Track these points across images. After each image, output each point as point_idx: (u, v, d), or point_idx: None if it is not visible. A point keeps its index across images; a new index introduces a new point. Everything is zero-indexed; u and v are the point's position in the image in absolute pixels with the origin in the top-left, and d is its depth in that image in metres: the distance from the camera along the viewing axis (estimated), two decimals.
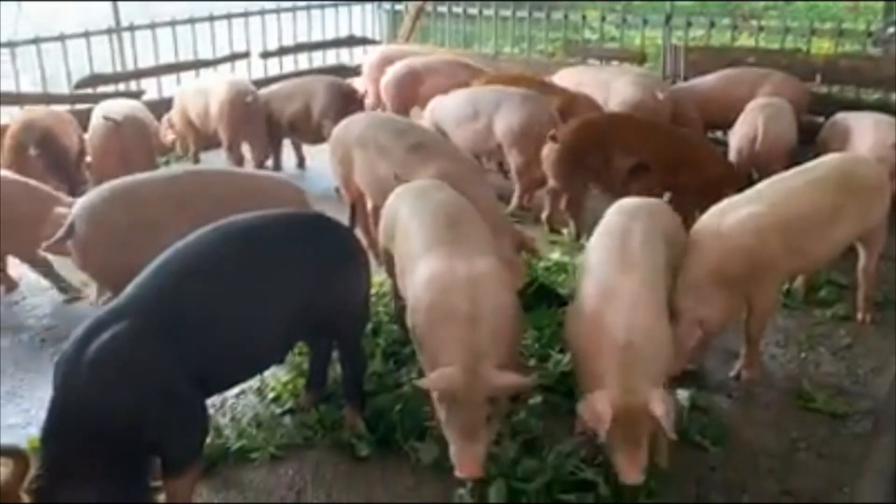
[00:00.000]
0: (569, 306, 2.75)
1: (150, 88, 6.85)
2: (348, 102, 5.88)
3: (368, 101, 6.76)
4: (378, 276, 4.02)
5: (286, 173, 6.35)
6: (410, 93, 6.47)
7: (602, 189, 4.93)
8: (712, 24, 7.07)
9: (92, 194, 3.71)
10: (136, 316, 2.48)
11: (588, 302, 2.83)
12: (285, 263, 2.80)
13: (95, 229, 3.55)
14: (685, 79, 6.61)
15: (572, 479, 2.86)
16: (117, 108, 5.39)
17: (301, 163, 6.63)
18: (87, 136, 5.42)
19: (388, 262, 3.49)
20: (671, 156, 4.67)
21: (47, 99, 5.92)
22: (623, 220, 3.19)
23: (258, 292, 2.71)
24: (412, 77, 6.51)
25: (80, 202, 3.67)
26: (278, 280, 2.77)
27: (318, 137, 6.02)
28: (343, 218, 3.20)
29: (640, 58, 7.27)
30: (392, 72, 6.60)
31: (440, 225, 3.10)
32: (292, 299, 2.81)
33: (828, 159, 3.84)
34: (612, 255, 2.99)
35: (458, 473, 2.62)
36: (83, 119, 5.50)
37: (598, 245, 3.12)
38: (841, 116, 5.22)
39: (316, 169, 6.33)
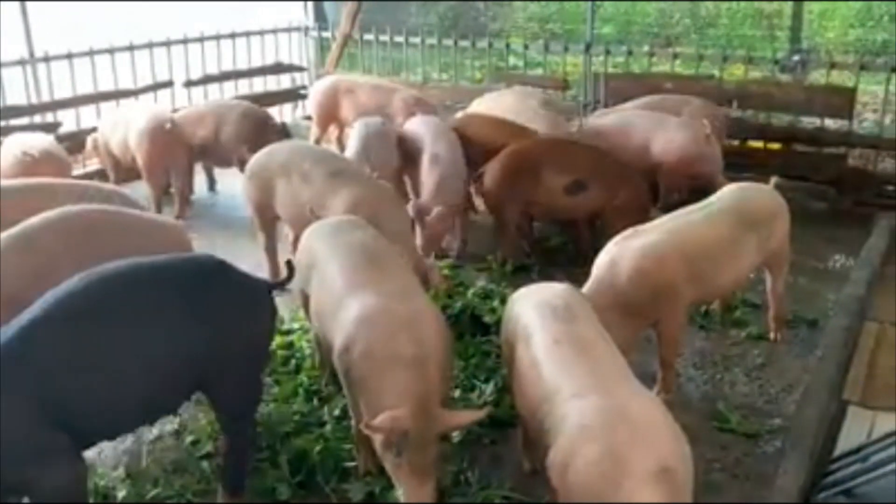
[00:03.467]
0: (559, 447, 2.38)
1: (68, 120, 6.66)
2: (261, 129, 5.88)
3: (314, 128, 6.90)
4: (301, 311, 4.00)
5: (197, 197, 6.36)
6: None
7: (538, 213, 5.07)
8: (630, 52, 7.29)
9: None
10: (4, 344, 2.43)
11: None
12: (162, 312, 2.64)
13: None
14: (606, 104, 6.79)
15: None
16: (31, 142, 5.23)
17: (212, 185, 6.66)
18: None
19: (304, 301, 3.45)
20: (609, 174, 4.85)
21: None
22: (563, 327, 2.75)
23: (128, 341, 2.57)
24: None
25: None
26: (153, 329, 2.61)
27: (227, 162, 6.02)
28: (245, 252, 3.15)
29: (563, 84, 7.44)
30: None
31: (361, 264, 3.09)
32: (169, 351, 2.63)
33: (726, 191, 3.98)
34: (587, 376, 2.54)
35: None
36: None
37: (553, 358, 2.63)
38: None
39: (226, 192, 6.43)
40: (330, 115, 6.84)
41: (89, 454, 3.15)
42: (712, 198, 3.93)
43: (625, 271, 3.42)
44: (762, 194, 4.01)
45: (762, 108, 6.61)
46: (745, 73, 6.88)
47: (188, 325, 2.65)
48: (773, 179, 4.34)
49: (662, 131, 5.45)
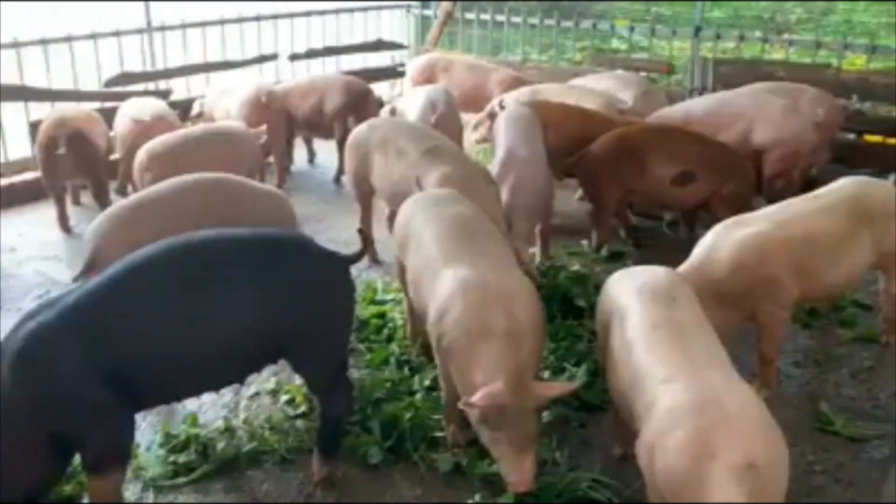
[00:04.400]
0: (647, 431, 2.32)
1: (179, 88, 6.93)
2: (363, 102, 5.96)
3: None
4: (396, 282, 4.05)
5: (296, 168, 6.51)
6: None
7: (638, 201, 4.92)
8: (742, 38, 6.99)
9: (103, 217, 3.71)
10: (62, 311, 2.50)
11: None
12: (238, 284, 2.64)
13: (108, 252, 3.44)
14: (713, 91, 6.55)
15: (584, 497, 2.85)
16: (145, 106, 5.46)
17: (311, 158, 6.78)
18: (112, 134, 5.51)
19: (401, 272, 3.48)
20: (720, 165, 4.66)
21: (77, 96, 6.00)
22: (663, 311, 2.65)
23: (201, 309, 2.59)
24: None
25: (93, 226, 3.65)
26: (226, 300, 2.62)
27: (329, 134, 6.13)
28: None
29: (668, 69, 7.22)
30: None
31: (457, 236, 3.10)
32: (240, 322, 2.63)
33: (842, 184, 3.75)
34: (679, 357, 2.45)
35: (514, 489, 2.63)
36: (111, 117, 5.58)
37: (648, 342, 2.54)
38: None
39: (325, 165, 6.58)
40: None
41: (191, 405, 3.32)
42: (825, 189, 3.73)
43: (723, 261, 3.30)
44: (880, 190, 3.76)
45: (885, 100, 6.23)
46: (867, 62, 6.49)
47: (263, 297, 2.65)
48: (893, 176, 4.09)
49: (766, 115, 5.07)
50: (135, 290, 2.58)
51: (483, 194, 3.79)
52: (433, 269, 3.01)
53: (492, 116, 5.28)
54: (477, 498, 2.86)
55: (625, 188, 4.80)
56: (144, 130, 5.13)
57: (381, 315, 4.05)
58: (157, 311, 2.56)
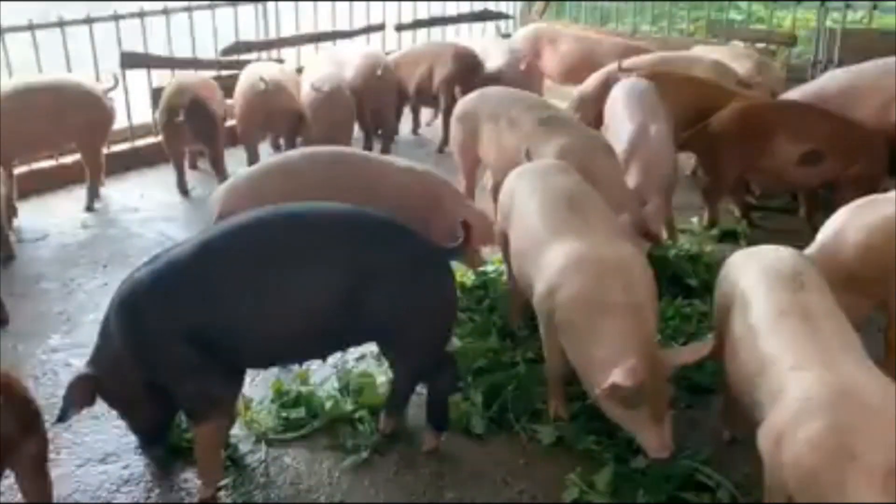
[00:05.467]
0: (774, 419, 2.22)
1: (290, 57, 7.08)
2: (473, 71, 5.92)
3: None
4: (498, 252, 4.03)
5: (399, 138, 6.57)
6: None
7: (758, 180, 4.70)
8: (875, 7, 6.53)
9: (230, 182, 3.75)
10: (156, 269, 2.62)
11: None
12: (331, 263, 2.61)
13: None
14: (840, 64, 6.15)
15: (690, 477, 2.78)
16: (267, 70, 5.60)
17: (416, 128, 6.77)
18: (231, 101, 5.70)
19: (503, 243, 3.46)
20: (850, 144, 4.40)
21: (196, 64, 6.23)
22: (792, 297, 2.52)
23: (290, 283, 2.58)
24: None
25: (219, 190, 3.71)
26: (317, 277, 2.60)
27: (437, 103, 6.15)
28: None
29: (790, 41, 6.83)
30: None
31: (563, 208, 3.05)
32: (329, 302, 2.61)
33: None
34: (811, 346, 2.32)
35: (655, 455, 2.61)
36: (227, 85, 5.77)
37: (774, 328, 2.43)
38: None
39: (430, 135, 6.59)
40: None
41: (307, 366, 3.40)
42: None
43: (851, 244, 3.09)
44: None
45: None
46: None
47: (351, 279, 2.60)
48: None
49: None
50: (223, 255, 2.62)
51: (605, 167, 3.71)
52: (539, 243, 2.98)
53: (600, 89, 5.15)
54: (578, 471, 2.84)
55: (746, 165, 4.59)
56: (264, 95, 5.29)
57: (484, 285, 4.05)
58: (241, 278, 2.58)
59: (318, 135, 5.12)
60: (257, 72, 5.50)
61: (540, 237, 2.99)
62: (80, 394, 2.68)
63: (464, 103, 4.56)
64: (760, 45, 6.78)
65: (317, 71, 5.83)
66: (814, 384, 2.16)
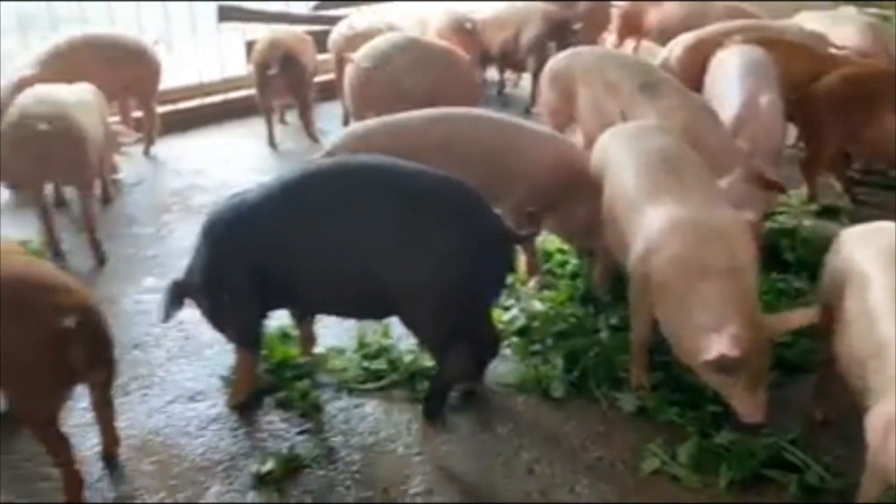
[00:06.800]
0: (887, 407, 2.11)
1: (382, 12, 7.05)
2: (562, 32, 5.78)
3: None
4: None
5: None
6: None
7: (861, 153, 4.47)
8: None
9: (345, 134, 3.65)
10: (238, 201, 2.82)
11: None
12: (390, 223, 2.59)
13: None
14: None
15: (777, 456, 2.68)
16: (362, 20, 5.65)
17: (501, 90, 6.64)
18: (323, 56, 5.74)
19: None
20: None
21: (289, 18, 6.29)
22: None
23: (345, 235, 2.62)
24: None
25: (334, 142, 3.61)
26: (371, 234, 2.60)
27: (523, 65, 6.02)
28: None
29: None
30: None
31: (660, 170, 2.95)
32: (381, 261, 2.60)
33: None
34: None
35: (748, 419, 2.57)
36: (319, 39, 5.81)
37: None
38: None
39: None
40: (632, 24, 6.51)
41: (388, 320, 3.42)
42: None
43: None
44: None
45: None
46: None
47: (403, 243, 2.58)
48: None
49: None
50: (292, 198, 2.73)
51: (714, 134, 3.54)
52: (634, 205, 2.89)
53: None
54: (659, 441, 2.79)
55: (849, 136, 4.34)
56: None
57: (565, 249, 3.99)
58: (304, 224, 2.67)
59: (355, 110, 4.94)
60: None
61: (636, 199, 2.90)
62: (171, 298, 2.91)
63: (555, 64, 4.44)
64: (872, 10, 6.35)
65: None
66: None
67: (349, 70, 4.88)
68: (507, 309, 3.49)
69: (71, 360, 2.44)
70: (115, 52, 5.01)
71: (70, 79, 4.31)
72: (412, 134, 3.42)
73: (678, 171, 2.95)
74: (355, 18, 5.73)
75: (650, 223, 2.77)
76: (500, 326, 3.36)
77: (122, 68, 4.97)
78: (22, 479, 2.68)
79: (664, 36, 6.11)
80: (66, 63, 4.75)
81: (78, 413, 2.94)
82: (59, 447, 2.51)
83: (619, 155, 3.17)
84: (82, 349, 2.45)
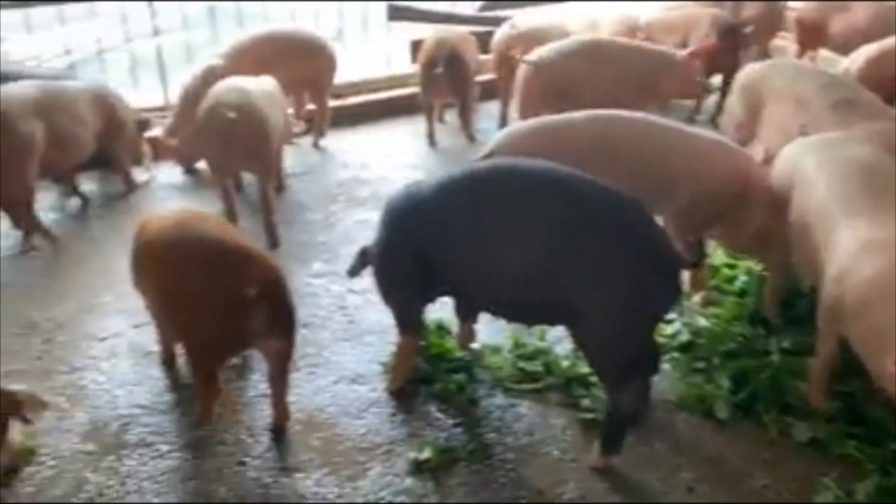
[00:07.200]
0: None
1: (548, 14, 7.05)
2: (731, 40, 5.52)
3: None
4: None
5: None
6: None
7: None
8: None
9: (507, 131, 3.63)
10: (414, 188, 2.90)
11: None
12: (553, 231, 2.52)
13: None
14: None
15: None
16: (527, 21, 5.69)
17: None
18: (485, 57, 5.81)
19: None
20: None
21: (455, 19, 6.41)
22: None
23: (507, 236, 2.59)
24: None
25: (496, 138, 3.58)
26: (532, 239, 2.55)
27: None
28: None
29: None
30: None
31: (860, 185, 2.76)
32: (537, 268, 2.54)
33: None
34: None
35: None
36: (483, 40, 5.88)
37: None
38: None
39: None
40: (815, 32, 6.11)
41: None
42: None
43: None
44: None
45: None
46: None
47: (564, 255, 2.51)
48: None
49: None
50: (461, 191, 2.75)
51: None
52: (829, 221, 2.72)
53: None
54: (833, 475, 2.61)
55: None
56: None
57: (734, 266, 3.82)
58: (469, 218, 2.68)
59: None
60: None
61: (831, 216, 2.74)
62: (358, 260, 3.09)
63: (746, 75, 4.23)
64: None
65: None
66: None
67: (522, 69, 4.89)
68: (669, 322, 3.39)
69: (248, 327, 2.63)
70: (295, 48, 5.31)
71: (253, 71, 4.60)
72: (574, 135, 3.37)
73: (879, 186, 2.75)
74: (520, 19, 5.75)
75: (846, 242, 2.60)
76: (662, 340, 3.28)
77: (301, 63, 5.26)
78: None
79: (851, 45, 5.71)
80: (249, 56, 5.08)
81: (251, 384, 3.14)
82: (209, 398, 2.83)
83: (810, 167, 2.99)
84: (261, 318, 2.63)
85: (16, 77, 4.36)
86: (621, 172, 2.83)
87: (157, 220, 3.00)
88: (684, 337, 3.32)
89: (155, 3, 5.87)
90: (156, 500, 2.63)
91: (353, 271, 3.10)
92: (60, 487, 2.67)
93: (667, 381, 3.12)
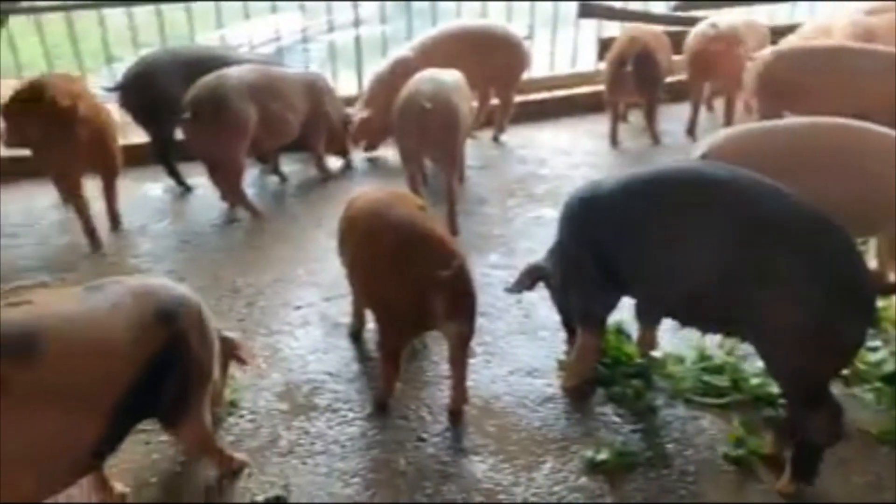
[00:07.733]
0: None
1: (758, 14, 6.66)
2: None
3: None
4: None
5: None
6: None
7: None
8: None
9: (722, 134, 3.50)
10: (594, 185, 2.87)
11: None
12: (730, 238, 2.44)
13: None
14: None
15: None
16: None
17: None
18: (678, 57, 5.63)
19: None
20: None
21: (648, 18, 6.23)
22: None
23: (693, 246, 2.52)
24: None
25: (708, 142, 3.45)
26: (707, 245, 2.47)
27: None
28: None
29: None
30: None
31: None
32: (712, 276, 2.47)
33: None
34: None
35: None
36: (675, 39, 5.69)
37: None
38: None
39: None
40: None
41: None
42: None
43: None
44: None
45: None
46: None
47: (747, 274, 2.41)
48: None
49: None
50: (651, 191, 2.69)
51: None
52: None
53: None
54: None
55: None
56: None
57: None
58: (653, 219, 2.64)
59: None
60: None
61: None
62: (524, 276, 3.13)
63: None
64: None
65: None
66: None
67: (753, 66, 4.69)
68: (873, 350, 3.14)
69: (434, 309, 2.72)
70: (486, 43, 5.39)
71: (442, 65, 4.72)
72: (795, 143, 3.20)
73: None
74: (720, 18, 5.51)
75: None
76: (864, 368, 3.05)
77: (491, 58, 5.34)
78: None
79: None
80: (440, 50, 5.23)
81: (432, 365, 3.25)
82: (391, 374, 2.95)
83: None
84: (445, 301, 2.72)
85: (233, 62, 4.73)
86: (840, 187, 2.64)
87: (364, 196, 3.19)
88: (890, 367, 3.06)
89: None
90: (340, 465, 2.78)
91: (518, 287, 3.11)
92: (258, 440, 2.89)
93: (868, 411, 2.90)
